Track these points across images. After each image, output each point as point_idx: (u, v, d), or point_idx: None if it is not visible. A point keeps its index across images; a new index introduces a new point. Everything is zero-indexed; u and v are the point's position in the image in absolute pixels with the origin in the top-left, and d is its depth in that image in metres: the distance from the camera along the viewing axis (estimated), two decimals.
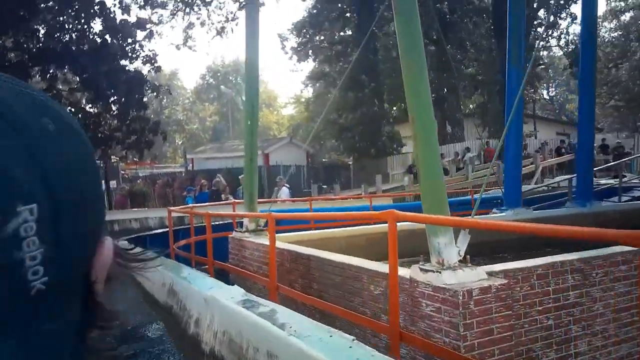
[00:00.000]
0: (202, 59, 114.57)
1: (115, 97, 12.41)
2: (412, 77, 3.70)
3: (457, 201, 13.23)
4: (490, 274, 3.43)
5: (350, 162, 23.35)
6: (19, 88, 0.30)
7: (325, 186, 20.62)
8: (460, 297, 3.09)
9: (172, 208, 6.92)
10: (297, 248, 5.44)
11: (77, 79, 12.57)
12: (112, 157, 17.06)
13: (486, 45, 25.59)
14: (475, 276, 3.31)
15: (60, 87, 12.67)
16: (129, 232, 10.78)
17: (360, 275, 4.13)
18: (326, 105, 29.83)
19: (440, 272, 3.30)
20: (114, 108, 12.93)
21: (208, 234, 5.52)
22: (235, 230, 6.89)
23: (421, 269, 3.42)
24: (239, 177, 16.52)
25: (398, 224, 3.18)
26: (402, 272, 3.80)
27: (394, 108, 24.30)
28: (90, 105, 13.13)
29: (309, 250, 5.10)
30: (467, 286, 3.16)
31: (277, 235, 7.00)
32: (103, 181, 22.92)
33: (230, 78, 63.08)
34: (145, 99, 13.37)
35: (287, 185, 14.61)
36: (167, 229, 8.56)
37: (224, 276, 6.92)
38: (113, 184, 18.86)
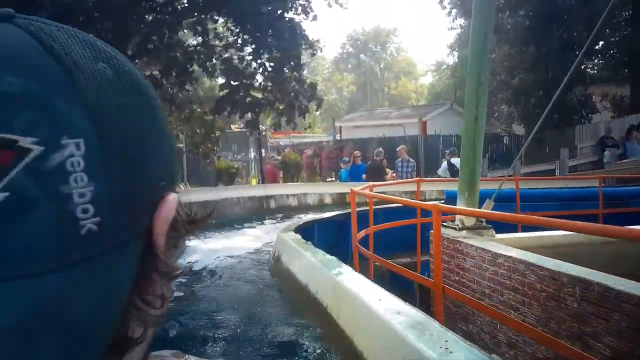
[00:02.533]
0: (344, 26, 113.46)
1: (272, 53, 10.90)
2: None
3: None
4: None
5: (519, 133, 19.79)
6: (82, 36, 0.31)
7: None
8: None
9: (355, 189, 5.01)
10: (581, 271, 3.12)
11: (231, 33, 11.33)
12: (260, 126, 15.93)
13: None
14: None
15: (211, 40, 11.50)
16: (286, 210, 9.35)
17: None
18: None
19: None
20: (268, 65, 11.52)
21: (436, 242, 3.44)
22: (444, 225, 4.75)
23: None
24: (398, 148, 14.48)
25: None
26: None
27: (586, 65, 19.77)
28: (245, 63, 11.81)
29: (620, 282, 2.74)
30: None
31: (498, 236, 4.78)
32: (251, 149, 22.51)
33: (370, 46, 61.11)
34: (302, 58, 11.66)
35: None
36: (335, 213, 6.81)
37: (398, 279, 4.89)
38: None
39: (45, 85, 0.27)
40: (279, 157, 16.09)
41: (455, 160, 11.24)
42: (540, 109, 17.66)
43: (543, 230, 4.87)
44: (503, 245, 4.01)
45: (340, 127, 22.69)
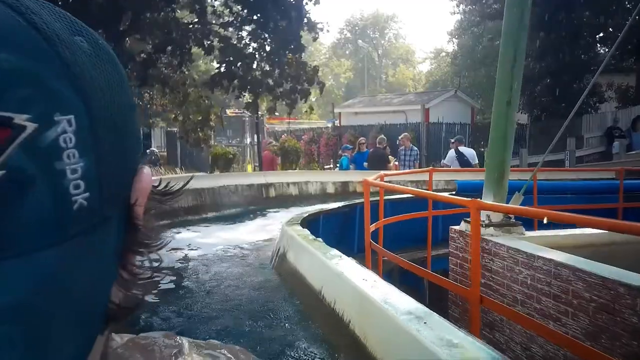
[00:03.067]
0: (343, 11, 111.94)
1: (276, 32, 10.26)
2: None
3: None
4: None
5: (525, 122, 19.27)
6: (54, 8, 0.30)
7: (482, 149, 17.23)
8: None
9: (369, 179, 4.52)
10: None
11: (230, 11, 10.70)
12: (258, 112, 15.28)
13: None
14: None
15: (209, 18, 10.86)
16: (286, 200, 8.85)
17: None
18: (477, 56, 25.35)
19: None
20: (267, 47, 10.91)
21: (475, 244, 2.96)
22: (466, 221, 4.29)
23: None
24: (401, 136, 13.94)
25: None
26: None
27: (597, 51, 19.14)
28: (244, 43, 11.19)
29: None
30: None
31: (528, 234, 4.32)
32: (246, 134, 21.87)
33: (368, 32, 60.21)
34: (302, 40, 11.05)
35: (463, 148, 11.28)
36: (342, 204, 6.33)
37: (406, 274, 4.46)
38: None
39: (34, 60, 0.26)
40: (277, 144, 15.52)
41: (464, 149, 10.74)
42: (547, 97, 17.19)
43: (571, 228, 4.41)
44: (540, 246, 3.54)
45: (340, 113, 22.10)
